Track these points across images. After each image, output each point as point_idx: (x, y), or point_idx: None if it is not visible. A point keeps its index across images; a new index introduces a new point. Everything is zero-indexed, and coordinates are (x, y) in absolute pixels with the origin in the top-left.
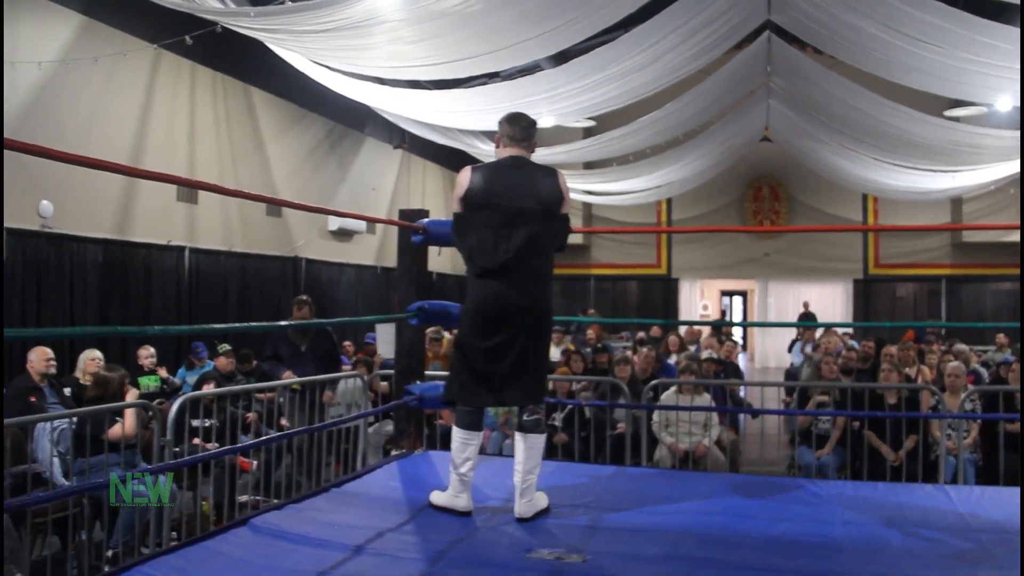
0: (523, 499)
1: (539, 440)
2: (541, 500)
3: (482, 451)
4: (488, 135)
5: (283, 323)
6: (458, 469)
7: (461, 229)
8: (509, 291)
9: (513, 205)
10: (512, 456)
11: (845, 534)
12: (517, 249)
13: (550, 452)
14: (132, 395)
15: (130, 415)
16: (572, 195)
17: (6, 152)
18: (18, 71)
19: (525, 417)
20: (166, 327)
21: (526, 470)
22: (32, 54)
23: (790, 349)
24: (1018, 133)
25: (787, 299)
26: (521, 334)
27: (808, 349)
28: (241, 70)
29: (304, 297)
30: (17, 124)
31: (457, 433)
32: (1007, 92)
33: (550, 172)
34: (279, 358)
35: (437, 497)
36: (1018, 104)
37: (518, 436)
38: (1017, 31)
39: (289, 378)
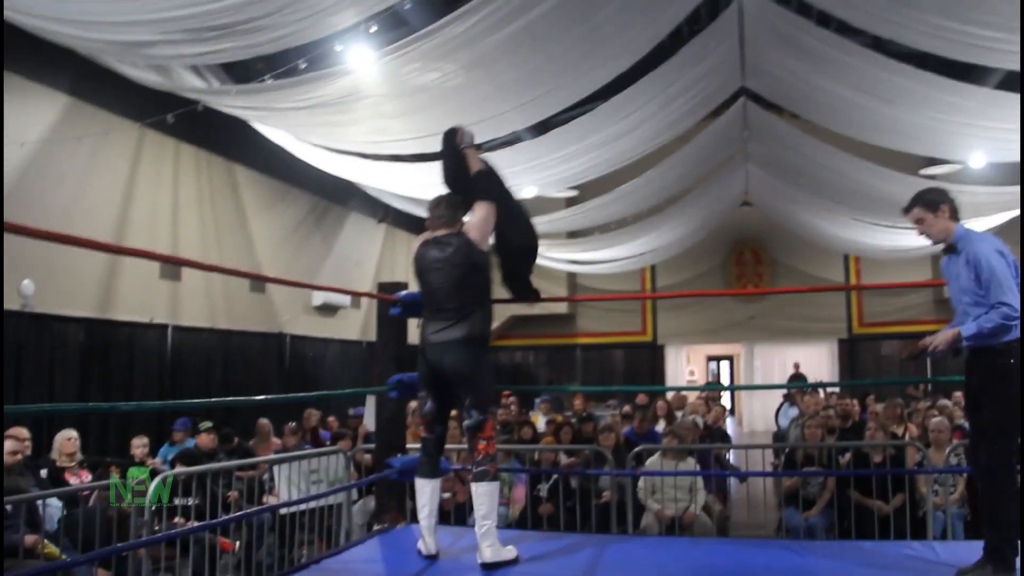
0: (484, 543)
1: (489, 487)
2: (509, 551)
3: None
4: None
5: (260, 397)
6: (419, 514)
7: None
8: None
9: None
10: None
11: None
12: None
13: (535, 523)
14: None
15: None
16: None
17: None
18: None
19: (474, 469)
20: (141, 403)
21: (480, 516)
22: (16, 134)
23: (777, 413)
24: (992, 189)
25: (773, 361)
26: None
27: (795, 412)
28: (224, 147)
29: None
30: None
31: (416, 483)
32: (979, 149)
33: (458, 235)
34: None
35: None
36: (992, 160)
37: (472, 487)
38: (984, 90)
39: None
